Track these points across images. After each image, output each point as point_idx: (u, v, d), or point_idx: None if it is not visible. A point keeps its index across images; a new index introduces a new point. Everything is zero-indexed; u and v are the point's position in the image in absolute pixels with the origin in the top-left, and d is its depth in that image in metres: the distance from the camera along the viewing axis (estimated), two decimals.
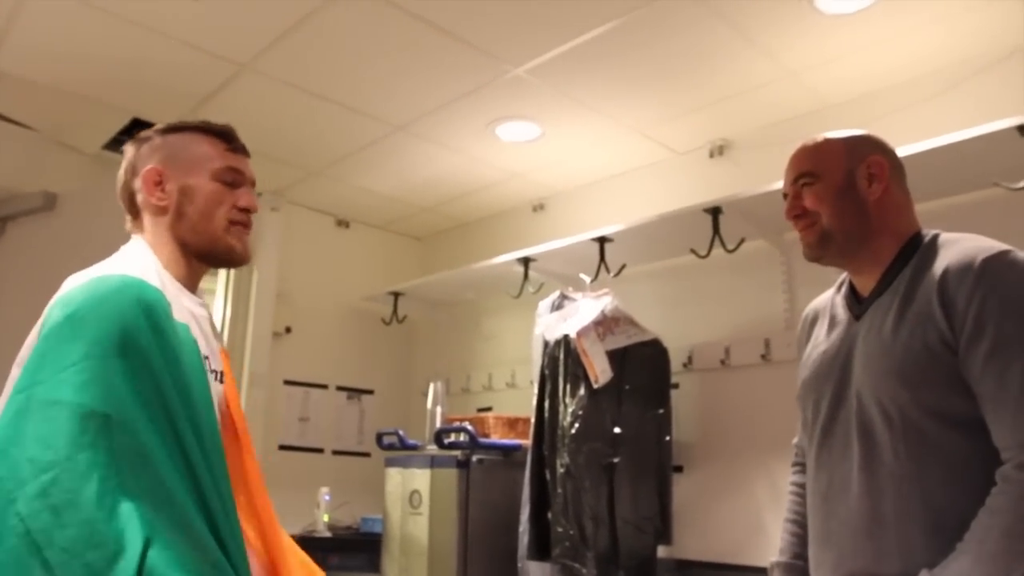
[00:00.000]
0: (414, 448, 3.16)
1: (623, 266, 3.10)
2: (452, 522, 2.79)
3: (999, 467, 1.12)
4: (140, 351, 1.07)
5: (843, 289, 1.43)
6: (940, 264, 1.23)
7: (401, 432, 3.20)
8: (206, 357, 1.25)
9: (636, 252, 3.08)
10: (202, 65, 2.70)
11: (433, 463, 2.92)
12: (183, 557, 0.96)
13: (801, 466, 1.57)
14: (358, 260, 4.27)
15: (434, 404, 3.29)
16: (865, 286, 1.36)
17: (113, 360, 1.04)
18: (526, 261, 3.28)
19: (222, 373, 1.35)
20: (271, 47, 2.58)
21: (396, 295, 3.99)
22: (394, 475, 3.08)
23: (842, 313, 1.40)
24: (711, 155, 3.17)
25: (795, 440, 1.62)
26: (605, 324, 2.77)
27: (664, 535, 2.71)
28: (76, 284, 1.18)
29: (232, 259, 1.34)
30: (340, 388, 4.05)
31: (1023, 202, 2.24)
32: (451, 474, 2.84)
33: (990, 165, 2.19)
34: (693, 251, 2.85)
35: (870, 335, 1.29)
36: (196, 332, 1.24)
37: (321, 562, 1.74)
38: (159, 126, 1.38)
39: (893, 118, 2.63)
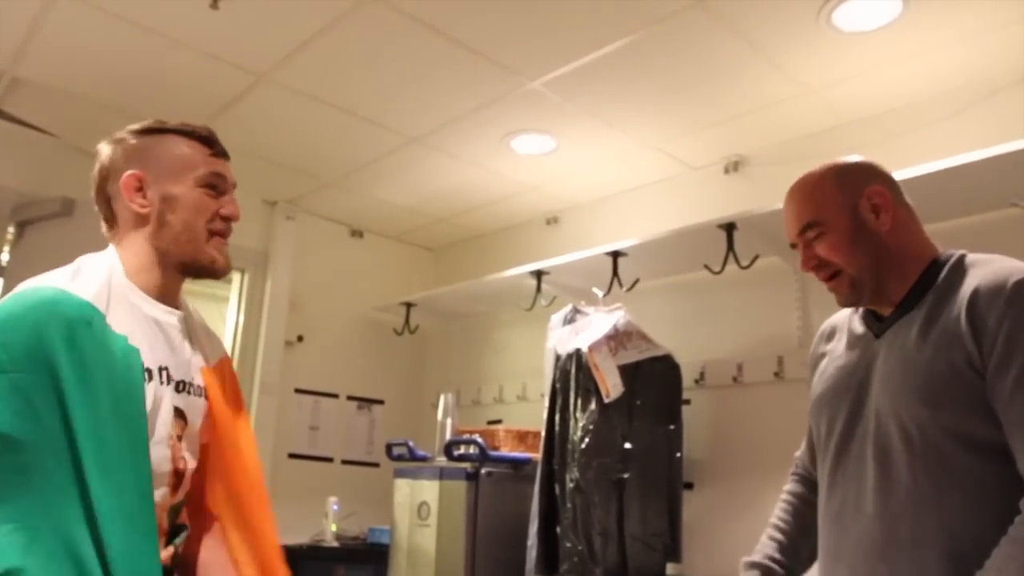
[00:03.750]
0: (423, 459, 3.15)
1: (636, 281, 3.10)
2: (460, 535, 2.78)
3: (1022, 496, 1.10)
4: (45, 365, 1.03)
5: (860, 308, 1.41)
6: (970, 284, 1.20)
7: (411, 443, 3.19)
8: (163, 368, 1.21)
9: (649, 267, 3.08)
10: (221, 74, 2.72)
11: (442, 475, 2.91)
12: None
13: (799, 477, 1.56)
14: (371, 270, 4.28)
15: (444, 416, 3.29)
16: (885, 306, 1.34)
17: (11, 375, 1.01)
18: (539, 274, 3.28)
19: (201, 387, 1.30)
20: (289, 58, 2.60)
21: (408, 306, 4.00)
22: (403, 486, 3.08)
23: (861, 330, 1.37)
24: (726, 171, 3.16)
25: (798, 453, 1.60)
26: (617, 339, 2.76)
27: (673, 552, 2.69)
28: (6, 296, 1.14)
29: (214, 271, 1.29)
30: (351, 398, 4.05)
31: None
32: (460, 486, 2.83)
33: (1007, 185, 2.18)
34: (707, 267, 2.84)
35: (891, 353, 1.27)
36: (146, 341, 1.19)
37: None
38: (135, 126, 1.32)
39: (910, 137, 2.62)
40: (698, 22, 2.30)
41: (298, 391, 3.84)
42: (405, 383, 4.28)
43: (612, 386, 2.67)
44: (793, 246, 1.40)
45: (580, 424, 2.69)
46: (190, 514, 1.33)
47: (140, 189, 1.26)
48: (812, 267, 1.35)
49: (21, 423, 0.99)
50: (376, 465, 3.96)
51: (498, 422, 3.69)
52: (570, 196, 3.68)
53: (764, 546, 1.50)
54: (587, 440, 2.64)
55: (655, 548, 2.64)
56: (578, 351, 2.77)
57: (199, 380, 1.30)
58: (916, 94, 2.63)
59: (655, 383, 2.77)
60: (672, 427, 2.77)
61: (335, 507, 3.54)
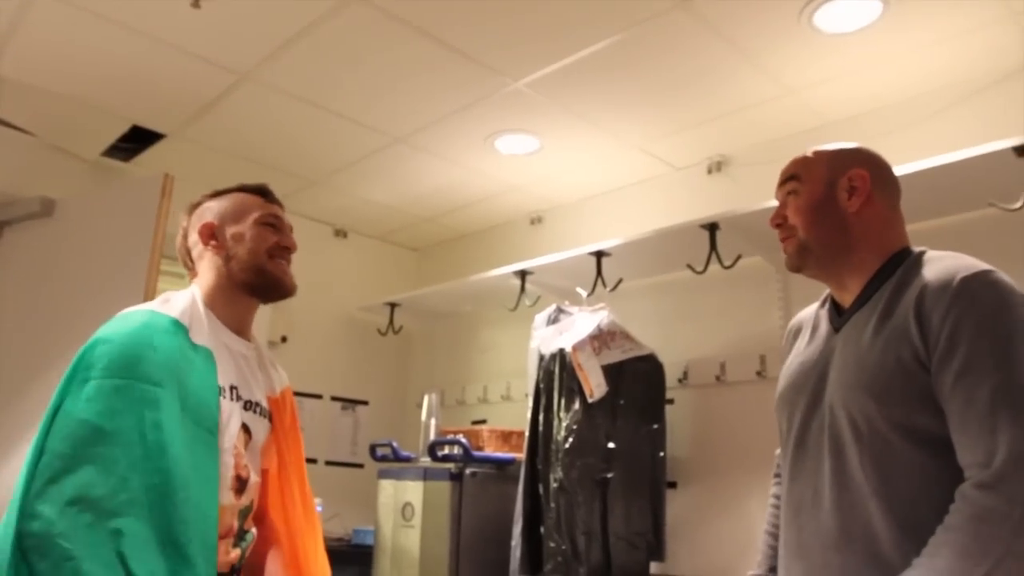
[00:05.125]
0: (407, 460, 3.14)
1: (620, 280, 3.11)
2: (444, 535, 2.78)
3: (964, 480, 1.12)
4: (133, 374, 1.25)
5: (827, 303, 1.44)
6: (920, 281, 1.22)
7: (395, 444, 3.19)
8: (233, 387, 1.43)
9: (633, 267, 3.09)
10: (203, 74, 2.70)
11: (426, 475, 2.91)
12: None
13: (780, 479, 1.56)
14: (355, 270, 4.27)
15: (428, 416, 3.28)
16: (846, 299, 1.36)
17: (103, 381, 1.23)
18: (523, 274, 3.28)
19: (266, 409, 1.52)
20: (272, 57, 2.59)
21: (392, 306, 3.99)
22: (387, 487, 3.07)
23: (824, 325, 1.40)
24: (709, 171, 3.18)
25: (777, 451, 1.61)
26: (601, 338, 2.76)
27: (657, 551, 2.70)
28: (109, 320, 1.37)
29: (281, 288, 1.51)
30: (335, 398, 4.04)
31: (1018, 223, 2.25)
32: (444, 487, 2.83)
33: (986, 185, 2.20)
34: (690, 267, 2.85)
35: (847, 347, 1.29)
36: (222, 360, 1.41)
37: None
38: (207, 193, 1.58)
39: (891, 137, 2.64)
40: (681, 23, 2.31)
41: None
42: (389, 383, 4.27)
43: (596, 386, 2.68)
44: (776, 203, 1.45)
45: (564, 424, 2.69)
46: (257, 523, 1.53)
47: (212, 235, 1.51)
48: (776, 224, 1.42)
49: (105, 419, 1.19)
50: (360, 466, 3.95)
51: (482, 422, 3.69)
52: (554, 196, 3.69)
53: (764, 556, 1.53)
54: (571, 440, 2.65)
55: (639, 547, 2.65)
56: (562, 351, 2.78)
57: (264, 403, 1.52)
58: (897, 95, 2.65)
59: (639, 383, 2.78)
60: (655, 426, 2.78)
61: (319, 508, 3.50)
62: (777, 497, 1.57)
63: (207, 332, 1.41)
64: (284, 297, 1.54)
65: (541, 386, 2.84)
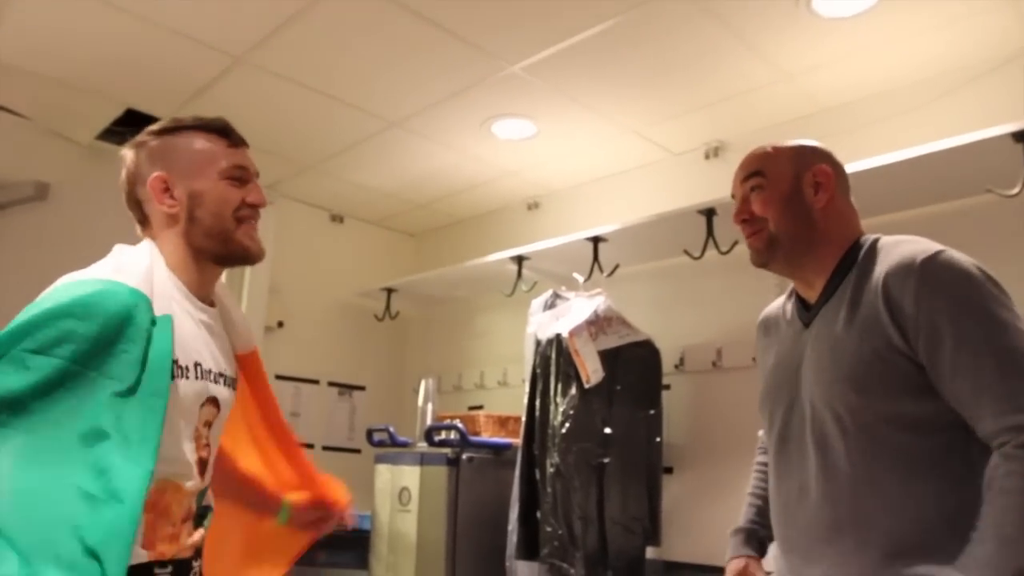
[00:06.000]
0: (404, 445, 3.15)
1: (616, 266, 3.10)
2: (441, 520, 2.79)
3: (955, 469, 1.15)
4: (79, 353, 1.08)
5: (792, 297, 1.46)
6: (881, 268, 1.25)
7: (392, 429, 3.19)
8: (197, 364, 1.27)
9: (630, 252, 3.08)
10: (197, 57, 2.68)
11: (423, 460, 2.92)
12: None
13: (766, 449, 1.61)
14: (352, 255, 4.26)
15: (425, 401, 3.29)
16: (810, 294, 1.38)
17: (47, 358, 1.07)
18: (520, 259, 3.28)
19: (232, 379, 1.39)
20: (266, 40, 2.57)
21: (389, 291, 3.99)
22: (384, 472, 3.08)
23: (792, 321, 1.42)
24: (706, 156, 3.17)
25: (761, 432, 1.66)
26: (598, 324, 2.76)
27: (653, 536, 2.72)
28: (53, 286, 1.20)
29: (247, 257, 1.34)
30: (331, 384, 4.04)
31: (1016, 209, 2.25)
32: (441, 472, 2.84)
33: (984, 171, 2.19)
34: (687, 252, 2.85)
35: (819, 343, 1.31)
36: (184, 331, 1.24)
37: (309, 558, 1.78)
38: (153, 127, 1.36)
39: (889, 123, 2.64)
40: (678, 7, 2.30)
41: (279, 377, 3.82)
42: (386, 369, 4.27)
43: (592, 371, 2.68)
44: (734, 197, 1.45)
45: (560, 409, 2.70)
46: (215, 494, 1.41)
47: (167, 190, 1.30)
48: (743, 219, 1.41)
49: (40, 395, 1.04)
50: (357, 451, 3.96)
51: (479, 408, 3.69)
52: (551, 181, 3.68)
53: (745, 513, 1.58)
54: (567, 425, 2.65)
55: (635, 532, 2.66)
56: (558, 336, 2.78)
57: (229, 371, 1.38)
58: (895, 80, 2.64)
59: (635, 368, 2.78)
60: (652, 412, 2.78)
61: None
62: (762, 463, 1.61)
63: (167, 299, 1.23)
64: (253, 263, 1.38)
65: (538, 371, 2.84)
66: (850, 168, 2.24)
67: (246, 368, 1.45)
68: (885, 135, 2.60)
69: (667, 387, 2.92)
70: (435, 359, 4.16)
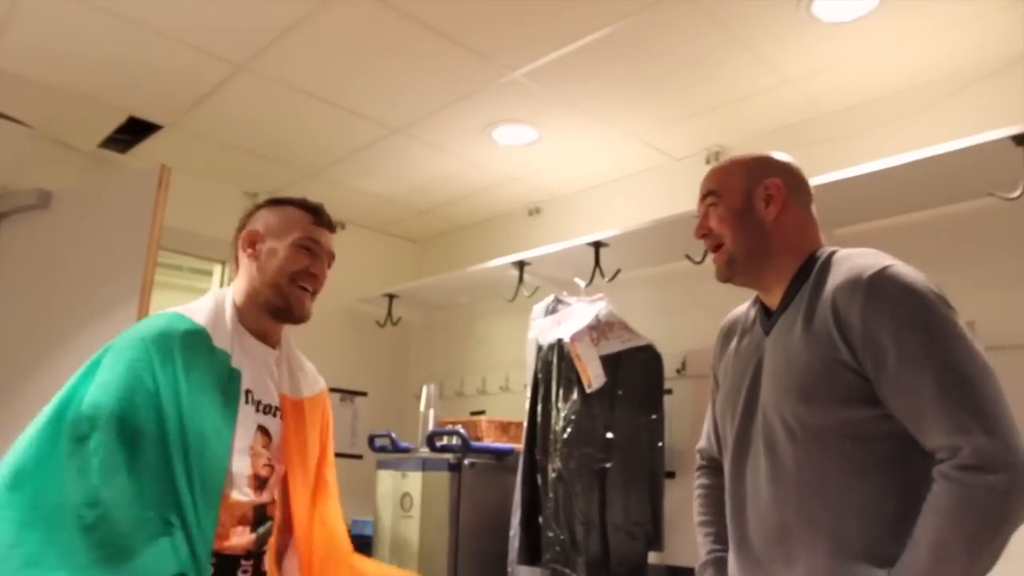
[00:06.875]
0: (406, 451, 3.15)
1: (618, 271, 3.10)
2: (443, 525, 2.78)
3: (898, 475, 1.19)
4: (152, 371, 1.36)
5: (756, 304, 1.50)
6: (832, 282, 1.28)
7: (393, 434, 3.19)
8: (248, 391, 1.51)
9: (631, 257, 3.08)
10: (199, 65, 2.69)
11: (425, 466, 2.92)
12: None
13: (705, 469, 1.68)
14: (353, 262, 4.26)
15: (427, 407, 3.29)
16: (772, 302, 1.42)
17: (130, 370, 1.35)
18: (521, 265, 3.28)
19: (275, 408, 1.59)
20: (268, 48, 2.58)
21: (391, 297, 3.99)
22: (386, 477, 3.08)
23: (754, 327, 1.46)
24: (707, 161, 3.17)
25: (699, 445, 1.71)
26: (599, 329, 2.76)
27: (655, 541, 2.71)
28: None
29: (290, 314, 1.58)
30: (333, 389, 4.03)
31: (1017, 212, 2.25)
32: (443, 477, 2.83)
33: (985, 175, 2.19)
34: (688, 257, 2.85)
35: (775, 351, 1.35)
36: (240, 364, 1.50)
37: None
38: (271, 198, 1.65)
39: (890, 127, 2.64)
40: (678, 12, 2.30)
41: None
42: (388, 375, 4.28)
43: (594, 376, 2.68)
44: (697, 216, 1.51)
45: (562, 414, 2.70)
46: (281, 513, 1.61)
47: (253, 243, 1.58)
48: (702, 235, 1.47)
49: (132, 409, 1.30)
50: (359, 457, 3.95)
51: (481, 413, 3.69)
52: (552, 187, 3.68)
53: (704, 544, 1.62)
54: (569, 430, 2.65)
55: (637, 537, 2.65)
56: (560, 341, 2.78)
57: (276, 403, 1.59)
58: (895, 84, 2.64)
59: (637, 373, 2.78)
60: (654, 417, 2.78)
61: None
62: (704, 487, 1.67)
63: (228, 337, 1.49)
64: (295, 323, 1.61)
65: (539, 377, 2.84)
66: (850, 172, 2.27)
67: (285, 411, 1.61)
68: (886, 139, 2.60)
69: (669, 392, 2.91)
70: (437, 364, 4.16)
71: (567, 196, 3.74)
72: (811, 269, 1.35)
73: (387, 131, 3.16)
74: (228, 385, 1.46)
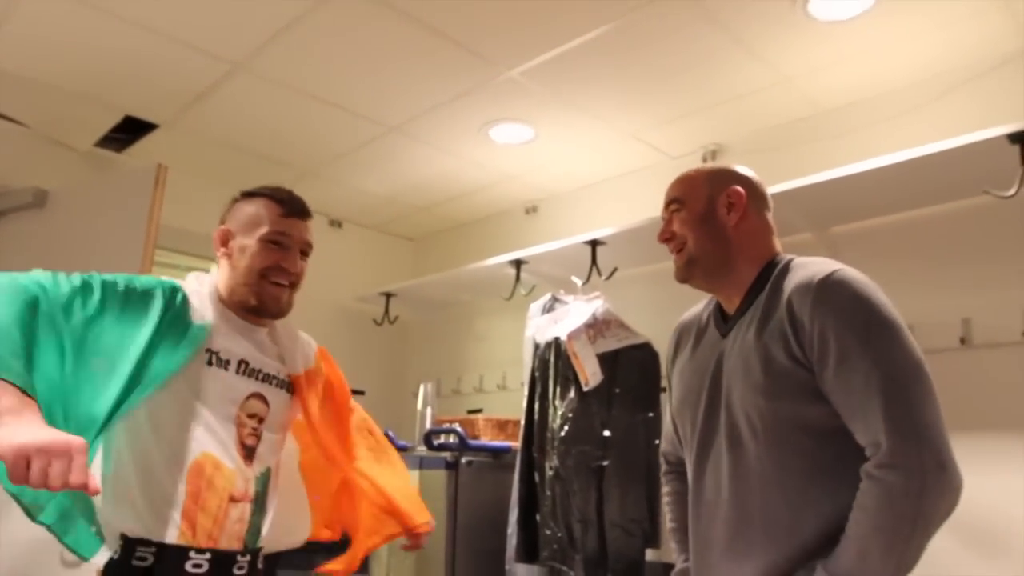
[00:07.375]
0: (404, 449, 3.15)
1: (615, 269, 3.11)
2: (440, 524, 2.78)
3: (854, 469, 1.23)
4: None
5: (711, 307, 1.55)
6: (788, 286, 1.34)
7: (391, 433, 3.19)
8: (242, 361, 1.53)
9: (628, 255, 3.09)
10: (196, 63, 2.69)
11: (422, 464, 2.92)
12: None
13: (672, 474, 1.69)
14: (351, 260, 4.26)
15: (424, 405, 3.29)
16: (730, 306, 1.47)
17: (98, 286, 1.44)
18: (518, 263, 3.28)
19: (285, 381, 1.62)
20: (265, 46, 2.58)
21: (388, 296, 3.99)
22: None
23: (710, 330, 1.51)
24: (704, 160, 3.17)
25: (662, 449, 1.74)
26: (596, 327, 2.77)
27: (652, 538, 2.71)
28: None
29: (266, 311, 1.56)
30: None
31: (1012, 210, 2.25)
32: (440, 475, 2.84)
33: (980, 173, 2.20)
34: None
35: (734, 351, 1.40)
36: (231, 336, 1.52)
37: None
38: (245, 191, 1.64)
39: (886, 125, 2.64)
40: (675, 10, 2.31)
41: None
42: (385, 373, 4.27)
43: (591, 374, 2.69)
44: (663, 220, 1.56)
45: (559, 412, 2.70)
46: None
47: (225, 242, 1.58)
48: (665, 239, 1.53)
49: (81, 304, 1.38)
50: None
51: (478, 411, 3.69)
52: (549, 185, 3.69)
53: (678, 551, 1.63)
54: (566, 428, 2.65)
55: (634, 534, 2.66)
56: (557, 340, 2.78)
57: (283, 375, 1.62)
58: (892, 82, 2.65)
59: (634, 371, 2.79)
60: (651, 414, 2.78)
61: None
62: (672, 493, 1.68)
63: (211, 313, 1.51)
64: (273, 318, 1.60)
65: (536, 375, 2.84)
66: (846, 171, 2.28)
67: (297, 387, 1.65)
68: (882, 137, 2.60)
69: (665, 389, 2.91)
70: (434, 363, 4.16)
71: (564, 195, 3.74)
72: (770, 274, 1.41)
73: (384, 130, 3.16)
74: (187, 338, 1.45)
